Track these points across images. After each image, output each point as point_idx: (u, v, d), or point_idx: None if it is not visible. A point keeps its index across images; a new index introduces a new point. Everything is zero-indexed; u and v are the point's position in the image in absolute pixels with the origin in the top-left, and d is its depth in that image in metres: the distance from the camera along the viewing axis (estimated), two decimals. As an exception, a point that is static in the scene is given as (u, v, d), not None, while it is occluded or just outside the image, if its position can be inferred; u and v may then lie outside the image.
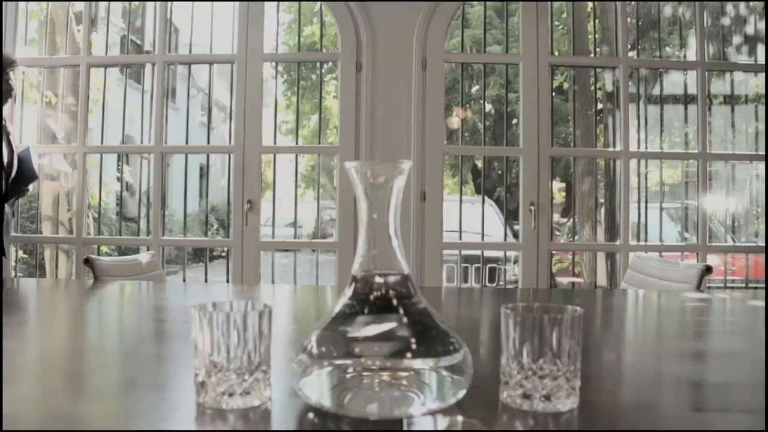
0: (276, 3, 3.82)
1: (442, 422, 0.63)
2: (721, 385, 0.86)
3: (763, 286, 3.88)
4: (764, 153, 3.37)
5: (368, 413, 0.63)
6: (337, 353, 0.66)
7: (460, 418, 0.64)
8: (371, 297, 0.68)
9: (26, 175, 2.76)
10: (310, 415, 0.65)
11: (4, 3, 3.51)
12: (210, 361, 0.67)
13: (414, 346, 0.66)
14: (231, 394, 0.67)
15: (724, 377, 0.91)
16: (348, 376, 0.65)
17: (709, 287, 3.47)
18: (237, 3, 3.49)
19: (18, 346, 1.05)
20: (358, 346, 0.66)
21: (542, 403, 0.66)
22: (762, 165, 3.62)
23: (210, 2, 3.64)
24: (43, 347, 1.07)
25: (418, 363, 0.66)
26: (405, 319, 0.67)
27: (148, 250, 3.42)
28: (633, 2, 3.82)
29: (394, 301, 0.68)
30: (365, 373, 0.65)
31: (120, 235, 4.22)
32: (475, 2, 3.73)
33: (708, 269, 1.98)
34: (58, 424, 0.66)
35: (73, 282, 1.98)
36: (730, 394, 0.82)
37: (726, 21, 3.86)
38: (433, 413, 0.64)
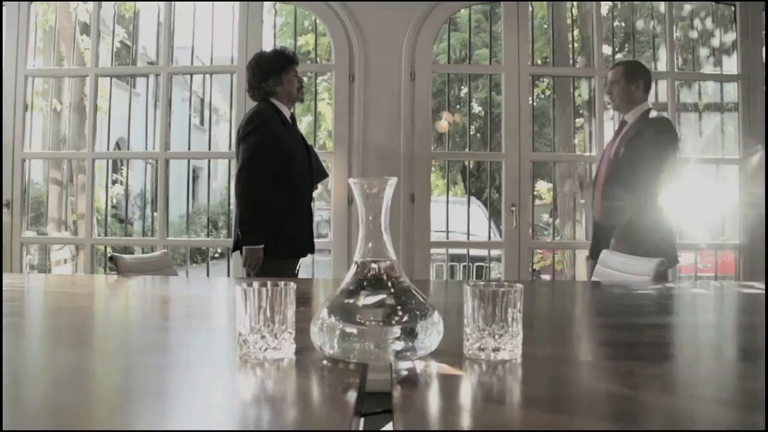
0: (272, 4, 4.03)
1: (420, 365, 0.88)
2: (628, 344, 1.13)
3: (731, 281, 4.14)
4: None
5: (366, 359, 0.88)
6: (343, 317, 0.91)
7: (433, 363, 0.89)
8: (368, 276, 0.93)
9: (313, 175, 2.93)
10: (324, 362, 0.90)
11: (5, 6, 3.70)
12: (250, 325, 0.91)
13: (399, 312, 0.90)
14: (266, 349, 0.91)
15: (634, 339, 1.19)
16: (352, 333, 0.89)
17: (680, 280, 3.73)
18: (236, 10, 3.70)
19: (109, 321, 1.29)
20: (359, 312, 0.91)
21: (493, 353, 0.91)
22: (729, 168, 3.91)
23: (210, 2, 3.82)
24: (130, 324, 1.35)
25: (403, 324, 0.90)
26: (393, 292, 0.92)
27: (153, 250, 3.66)
28: (612, 3, 4.06)
29: (385, 279, 0.93)
30: (364, 331, 0.90)
31: (118, 236, 4.43)
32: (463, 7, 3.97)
33: (662, 263, 2.23)
34: (144, 369, 0.90)
35: (112, 277, 2.24)
36: (629, 349, 1.08)
37: (694, 34, 4.13)
38: (413, 360, 0.89)
